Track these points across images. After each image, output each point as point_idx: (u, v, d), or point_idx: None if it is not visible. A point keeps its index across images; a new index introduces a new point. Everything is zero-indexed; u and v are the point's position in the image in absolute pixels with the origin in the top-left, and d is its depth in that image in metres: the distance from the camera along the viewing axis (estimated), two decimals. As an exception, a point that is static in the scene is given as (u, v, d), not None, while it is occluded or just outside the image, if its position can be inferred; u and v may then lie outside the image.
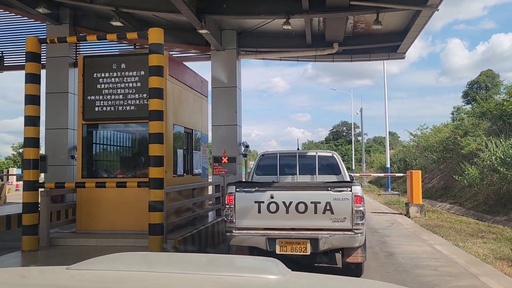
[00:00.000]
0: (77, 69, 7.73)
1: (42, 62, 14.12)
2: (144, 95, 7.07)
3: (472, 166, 15.25)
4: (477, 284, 5.66)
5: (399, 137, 54.16)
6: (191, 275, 1.53)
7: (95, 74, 7.34)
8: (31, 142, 6.72)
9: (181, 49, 14.69)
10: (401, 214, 13.91)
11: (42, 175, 13.75)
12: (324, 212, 5.38)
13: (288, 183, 6.99)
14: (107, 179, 7.47)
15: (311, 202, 5.41)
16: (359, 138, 53.61)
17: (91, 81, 7.36)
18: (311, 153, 8.09)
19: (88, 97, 7.38)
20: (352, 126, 53.83)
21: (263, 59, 15.48)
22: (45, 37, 13.04)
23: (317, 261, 6.33)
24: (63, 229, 7.70)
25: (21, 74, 6.71)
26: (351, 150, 51.28)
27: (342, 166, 7.69)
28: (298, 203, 5.43)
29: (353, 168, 42.90)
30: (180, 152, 8.34)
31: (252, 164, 9.28)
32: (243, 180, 12.31)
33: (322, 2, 10.75)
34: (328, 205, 5.37)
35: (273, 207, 5.47)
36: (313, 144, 73.20)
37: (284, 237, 5.43)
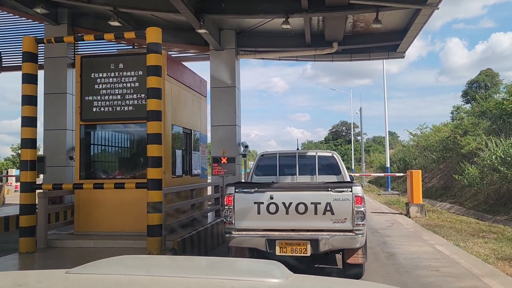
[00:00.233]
0: (75, 69, 7.67)
1: (40, 63, 14.11)
2: (142, 95, 7.02)
3: (472, 165, 15.21)
4: (480, 285, 5.61)
5: (398, 136, 54.30)
6: (192, 279, 1.51)
7: (93, 74, 7.28)
8: (28, 143, 6.65)
9: (180, 49, 14.63)
10: (401, 214, 13.86)
11: (41, 176, 13.71)
12: (324, 213, 5.31)
13: (287, 184, 6.93)
14: (105, 180, 7.40)
15: (311, 203, 5.34)
16: (359, 138, 53.55)
17: (89, 81, 7.31)
18: (311, 153, 8.03)
19: (86, 98, 7.32)
20: (352, 126, 53.83)
21: (262, 58, 15.44)
22: (43, 37, 12.97)
23: (317, 262, 6.27)
24: (61, 230, 7.63)
25: (20, 75, 6.65)
26: (351, 150, 51.29)
27: (342, 166, 7.63)
28: (298, 203, 5.37)
29: (353, 168, 42.88)
30: (178, 152, 8.28)
31: (251, 164, 9.22)
32: (243, 180, 12.25)
33: (322, 1, 10.70)
34: (328, 206, 5.31)
35: (272, 208, 5.41)
36: (312, 144, 73.20)
37: (284, 238, 5.37)
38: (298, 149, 8.40)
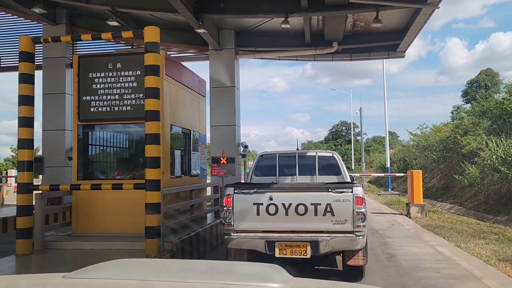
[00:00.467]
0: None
1: (39, 63, 14.03)
2: (141, 95, 6.96)
3: (473, 165, 15.16)
4: (481, 287, 5.54)
5: (398, 136, 54.23)
6: (190, 283, 1.50)
7: (90, 74, 7.22)
8: (25, 143, 6.59)
9: (179, 49, 14.58)
10: (401, 214, 13.80)
11: (40, 176, 13.65)
12: (324, 214, 5.25)
13: (287, 184, 6.86)
14: (103, 181, 7.34)
15: (311, 204, 5.28)
16: (359, 137, 53.51)
17: (86, 81, 7.25)
18: (310, 153, 7.98)
19: (84, 98, 7.27)
20: (352, 126, 53.80)
21: (262, 58, 15.39)
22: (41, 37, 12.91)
23: (317, 263, 6.21)
24: (59, 232, 7.57)
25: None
26: (351, 150, 51.24)
27: (343, 166, 7.57)
28: (298, 204, 5.30)
29: (353, 168, 42.83)
30: (177, 153, 8.22)
31: (251, 164, 9.17)
32: (242, 180, 12.20)
33: (321, 1, 10.65)
34: (328, 207, 5.25)
35: (272, 209, 5.34)
36: (312, 144, 73.17)
37: (283, 240, 5.31)
38: (298, 149, 8.34)
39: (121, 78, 7.13)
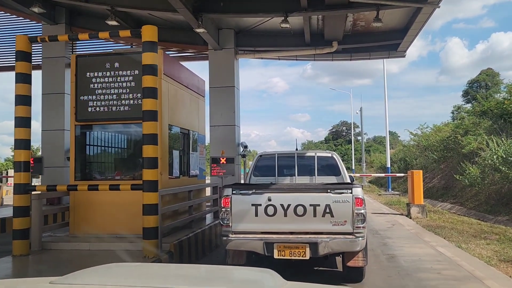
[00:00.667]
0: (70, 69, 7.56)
1: (38, 63, 13.97)
2: (139, 95, 6.90)
3: (473, 165, 15.09)
4: (482, 288, 5.49)
5: (399, 136, 54.09)
6: None
7: (88, 73, 7.17)
8: (22, 144, 6.54)
9: (178, 48, 14.53)
10: (402, 214, 13.74)
11: (40, 177, 13.61)
12: (323, 215, 5.19)
13: (286, 185, 6.81)
14: (100, 181, 7.28)
15: (310, 205, 5.22)
16: (359, 137, 53.50)
17: (84, 81, 7.20)
18: (310, 153, 7.92)
19: (81, 97, 7.21)
20: (352, 126, 53.72)
21: (262, 58, 15.34)
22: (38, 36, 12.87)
23: (316, 264, 6.15)
24: (56, 232, 7.52)
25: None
26: (351, 150, 51.14)
27: (342, 166, 7.52)
28: (297, 205, 5.24)
29: (353, 168, 42.77)
30: (176, 153, 8.16)
31: (251, 164, 9.13)
32: (242, 181, 12.15)
33: (321, 0, 10.59)
34: (328, 208, 5.19)
35: (270, 210, 5.28)
36: (312, 144, 73.14)
37: (282, 241, 5.25)
38: (297, 149, 8.29)
39: (119, 77, 7.08)
